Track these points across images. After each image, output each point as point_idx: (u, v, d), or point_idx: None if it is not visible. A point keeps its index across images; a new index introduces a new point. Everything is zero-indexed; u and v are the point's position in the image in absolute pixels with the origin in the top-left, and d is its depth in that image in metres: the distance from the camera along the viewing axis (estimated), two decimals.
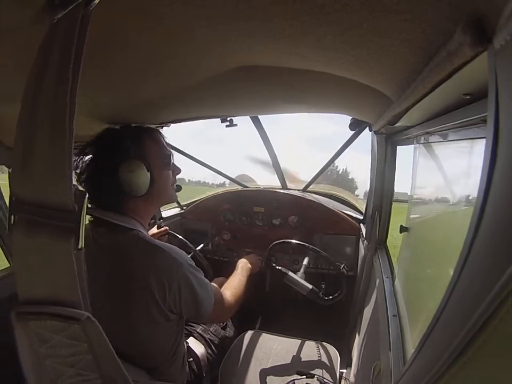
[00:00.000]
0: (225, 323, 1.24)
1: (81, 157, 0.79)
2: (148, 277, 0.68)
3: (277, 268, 1.28)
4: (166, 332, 0.76)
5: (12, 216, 0.35)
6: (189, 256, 1.32)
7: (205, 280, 0.80)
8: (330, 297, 1.20)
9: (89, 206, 0.77)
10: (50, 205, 0.34)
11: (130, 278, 0.68)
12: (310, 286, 1.19)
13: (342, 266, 1.28)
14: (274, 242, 1.31)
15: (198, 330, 1.10)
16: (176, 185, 0.94)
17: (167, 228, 1.24)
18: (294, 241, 1.33)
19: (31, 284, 0.36)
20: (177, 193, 0.97)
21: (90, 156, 0.79)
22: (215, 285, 0.99)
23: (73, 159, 0.78)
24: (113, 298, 0.69)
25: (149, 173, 0.77)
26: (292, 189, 1.86)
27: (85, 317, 0.36)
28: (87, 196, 0.35)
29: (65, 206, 0.34)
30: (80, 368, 0.39)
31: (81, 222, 0.34)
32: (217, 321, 1.16)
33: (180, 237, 1.35)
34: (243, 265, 1.14)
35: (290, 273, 1.23)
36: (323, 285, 1.25)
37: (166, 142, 0.89)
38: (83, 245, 0.35)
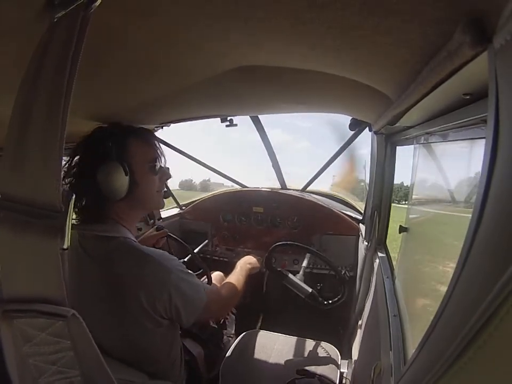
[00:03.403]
0: (223, 321, 1.23)
1: (71, 159, 0.76)
2: (136, 288, 0.67)
3: (278, 269, 1.27)
4: (159, 336, 0.75)
5: None
6: (187, 258, 1.32)
7: (196, 282, 0.78)
8: (330, 301, 1.18)
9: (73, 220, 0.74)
10: (38, 204, 0.34)
11: (117, 286, 0.67)
12: (310, 290, 1.18)
13: (343, 272, 1.27)
14: (276, 244, 1.30)
15: (194, 330, 1.10)
16: (164, 191, 0.90)
17: (167, 230, 1.23)
18: (297, 243, 1.32)
19: (17, 281, 0.36)
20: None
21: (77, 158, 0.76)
22: (213, 283, 0.98)
23: (64, 161, 0.77)
24: (102, 304, 0.68)
25: (127, 177, 0.73)
26: (291, 189, 1.86)
27: (71, 313, 0.36)
28: (74, 196, 0.36)
29: (52, 206, 0.34)
30: (61, 365, 0.40)
31: (67, 222, 0.35)
32: (211, 319, 1.15)
33: (179, 239, 1.35)
34: (242, 265, 1.14)
35: (290, 276, 1.22)
36: (322, 288, 1.24)
37: (157, 145, 0.85)
38: (68, 245, 0.35)
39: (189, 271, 0.79)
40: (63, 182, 0.74)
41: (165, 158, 0.88)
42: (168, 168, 0.90)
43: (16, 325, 0.37)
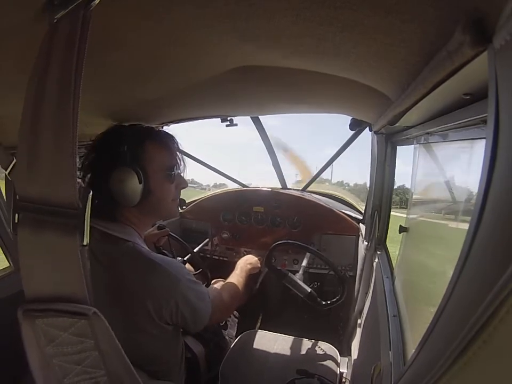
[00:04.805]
0: (224, 322, 1.24)
1: (88, 156, 0.74)
2: (143, 296, 0.66)
3: (278, 268, 1.27)
4: (163, 341, 0.74)
5: (16, 215, 0.35)
6: (187, 257, 1.32)
7: (203, 291, 0.78)
8: (328, 302, 1.18)
9: None
10: (56, 202, 0.34)
11: (123, 292, 0.66)
12: (309, 290, 1.18)
13: (343, 272, 1.26)
14: (276, 243, 1.30)
15: None
16: (180, 199, 0.86)
17: (168, 230, 1.23)
18: (297, 242, 1.31)
19: (38, 281, 0.36)
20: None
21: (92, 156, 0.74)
22: (214, 287, 0.98)
23: (79, 159, 0.77)
24: (106, 306, 0.67)
25: (141, 184, 0.70)
26: (291, 189, 1.86)
27: (92, 312, 0.37)
28: (91, 193, 0.35)
29: (70, 204, 0.34)
30: (87, 365, 0.39)
31: (86, 219, 0.35)
32: (214, 324, 1.15)
33: (180, 239, 1.35)
34: (242, 266, 1.14)
35: (290, 275, 1.22)
36: (321, 288, 1.23)
37: (175, 151, 0.81)
38: (88, 242, 0.35)
39: (196, 279, 0.77)
40: (79, 178, 0.72)
41: (184, 165, 0.84)
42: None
43: (38, 324, 0.37)
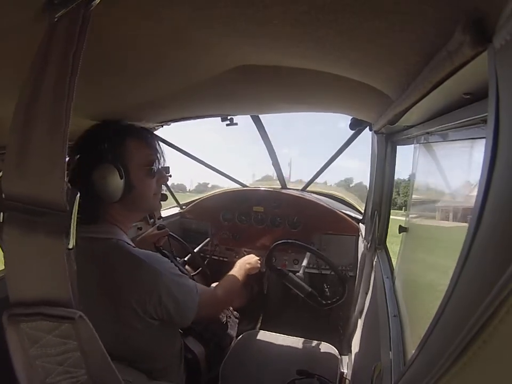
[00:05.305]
0: (225, 323, 1.24)
1: (70, 158, 0.74)
2: (127, 290, 0.67)
3: (278, 268, 1.27)
4: (151, 337, 0.74)
5: (1, 214, 0.35)
6: (187, 257, 1.33)
7: (188, 284, 0.78)
8: (329, 301, 1.18)
9: None
10: (43, 203, 0.34)
11: (108, 287, 0.68)
12: (309, 289, 1.18)
13: (344, 272, 1.26)
14: (277, 242, 1.30)
15: (197, 329, 1.10)
16: (162, 194, 0.89)
17: (168, 230, 1.24)
18: (298, 242, 1.31)
19: (22, 284, 0.36)
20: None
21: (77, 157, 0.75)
22: (206, 287, 0.99)
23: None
24: (94, 303, 0.67)
25: (122, 180, 0.72)
26: (291, 189, 1.86)
27: (78, 315, 0.36)
28: (78, 194, 0.35)
29: (57, 205, 0.34)
30: (68, 365, 0.39)
31: (72, 222, 0.34)
32: (205, 320, 1.15)
33: (180, 239, 1.35)
34: (241, 264, 1.14)
35: (291, 274, 1.22)
36: (322, 287, 1.24)
37: (155, 147, 0.83)
38: (74, 244, 0.35)
39: (181, 273, 0.78)
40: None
41: (164, 159, 0.86)
42: (168, 167, 0.89)
43: (22, 328, 0.36)
